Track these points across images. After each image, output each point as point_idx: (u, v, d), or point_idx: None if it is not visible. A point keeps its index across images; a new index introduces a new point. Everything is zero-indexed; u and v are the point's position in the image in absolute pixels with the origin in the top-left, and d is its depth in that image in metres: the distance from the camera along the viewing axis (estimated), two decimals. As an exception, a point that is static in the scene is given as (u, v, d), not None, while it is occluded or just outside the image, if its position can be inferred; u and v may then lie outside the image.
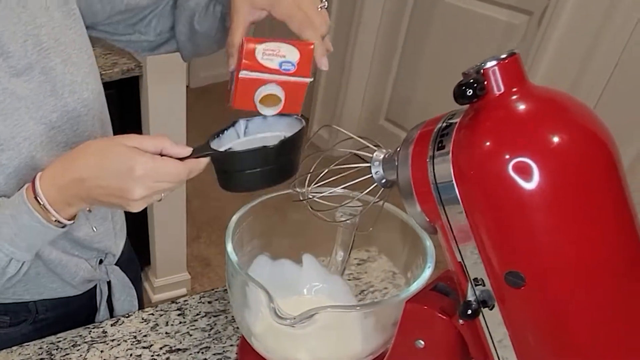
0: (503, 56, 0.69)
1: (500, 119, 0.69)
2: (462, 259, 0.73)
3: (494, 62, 0.69)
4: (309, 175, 0.97)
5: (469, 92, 0.67)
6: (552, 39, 2.48)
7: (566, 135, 0.66)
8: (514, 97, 0.69)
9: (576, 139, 0.66)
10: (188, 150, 0.91)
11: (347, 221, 1.04)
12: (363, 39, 3.45)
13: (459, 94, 0.68)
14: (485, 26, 2.89)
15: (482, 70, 0.69)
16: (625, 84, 2.29)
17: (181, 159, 0.90)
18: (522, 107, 0.69)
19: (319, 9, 0.97)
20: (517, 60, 0.70)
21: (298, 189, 0.98)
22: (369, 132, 3.52)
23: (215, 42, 1.20)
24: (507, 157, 0.66)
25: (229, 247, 0.99)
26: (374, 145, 0.91)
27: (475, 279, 0.73)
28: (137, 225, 2.66)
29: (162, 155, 0.90)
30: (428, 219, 0.77)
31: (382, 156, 0.89)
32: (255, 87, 0.93)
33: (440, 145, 0.72)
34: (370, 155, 0.90)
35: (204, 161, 0.92)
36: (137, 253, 1.56)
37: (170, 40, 1.24)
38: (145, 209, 0.93)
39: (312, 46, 0.93)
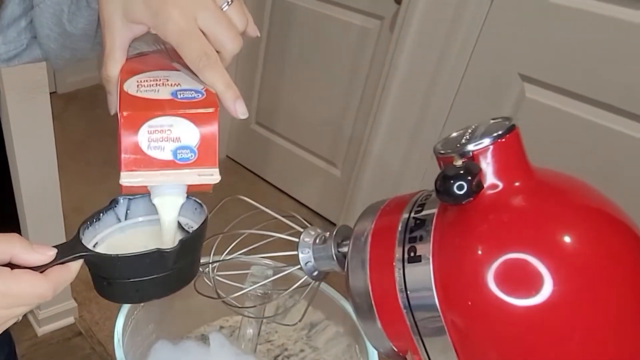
0: (499, 132, 0.44)
1: (501, 224, 0.44)
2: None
3: (487, 141, 0.44)
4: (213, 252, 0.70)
5: (463, 189, 0.42)
6: (406, 43, 2.29)
7: (597, 247, 0.42)
8: (517, 194, 0.44)
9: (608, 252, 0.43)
10: (49, 255, 0.58)
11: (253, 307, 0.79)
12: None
13: (445, 191, 0.42)
14: (341, 30, 2.68)
15: (472, 153, 0.44)
16: (478, 80, 2.15)
17: (41, 269, 0.58)
18: (530, 208, 0.44)
19: (226, 6, 0.62)
20: (517, 137, 0.45)
21: (201, 269, 0.70)
22: (242, 137, 3.24)
23: (98, 42, 0.79)
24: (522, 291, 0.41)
25: (119, 354, 0.72)
26: (301, 226, 0.64)
27: None
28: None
29: (12, 265, 0.57)
30: (395, 348, 0.51)
31: (311, 240, 0.63)
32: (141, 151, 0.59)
33: (411, 253, 0.46)
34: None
35: (76, 267, 0.60)
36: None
37: (29, 47, 0.83)
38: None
39: (215, 112, 0.59)
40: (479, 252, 0.43)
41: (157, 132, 0.57)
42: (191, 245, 0.61)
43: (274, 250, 0.69)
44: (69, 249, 0.60)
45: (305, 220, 0.66)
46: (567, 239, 0.42)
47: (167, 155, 0.58)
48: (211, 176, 0.59)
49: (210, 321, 0.96)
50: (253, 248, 0.72)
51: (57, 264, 0.59)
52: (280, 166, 3.14)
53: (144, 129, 0.57)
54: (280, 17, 2.95)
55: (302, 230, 0.64)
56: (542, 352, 0.42)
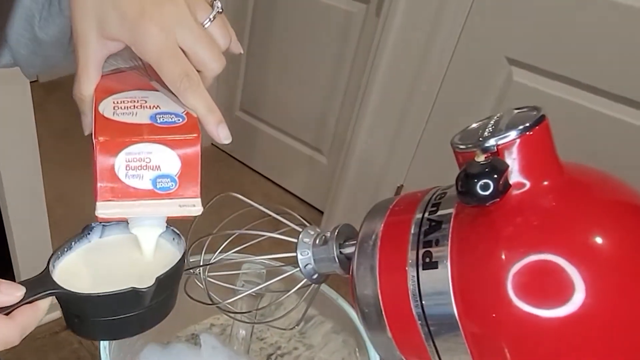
0: (526, 124, 0.39)
1: (529, 227, 0.39)
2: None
3: (514, 135, 0.39)
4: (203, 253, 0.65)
5: (488, 189, 0.37)
6: (392, 27, 2.23)
7: (636, 252, 0.38)
8: (547, 194, 0.39)
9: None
10: (17, 296, 0.52)
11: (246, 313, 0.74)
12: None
13: (468, 191, 0.38)
14: (326, 15, 2.62)
15: (496, 148, 0.39)
16: (465, 64, 2.11)
17: (6, 309, 0.52)
18: (562, 210, 0.39)
19: (208, 23, 0.58)
20: (547, 129, 0.40)
21: (192, 271, 0.66)
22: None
23: (72, 51, 0.69)
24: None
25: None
26: (298, 225, 0.59)
27: None
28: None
29: None
30: (405, 358, 0.46)
31: (311, 240, 0.58)
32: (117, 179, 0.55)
33: (427, 259, 0.41)
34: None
35: (45, 306, 0.55)
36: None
37: None
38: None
39: (197, 138, 0.55)
40: (503, 258, 0.38)
41: (135, 159, 0.53)
42: (168, 281, 0.56)
43: (267, 247, 0.64)
44: (38, 285, 0.54)
45: (302, 217, 0.61)
46: (602, 244, 0.38)
47: (146, 185, 0.54)
48: (193, 207, 0.55)
49: (200, 320, 0.92)
50: (246, 247, 0.67)
51: (25, 303, 0.53)
52: (266, 154, 3.10)
53: (122, 156, 0.53)
54: (264, 2, 2.90)
55: (298, 228, 0.60)
56: None
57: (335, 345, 0.84)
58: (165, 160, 0.53)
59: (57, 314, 0.59)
